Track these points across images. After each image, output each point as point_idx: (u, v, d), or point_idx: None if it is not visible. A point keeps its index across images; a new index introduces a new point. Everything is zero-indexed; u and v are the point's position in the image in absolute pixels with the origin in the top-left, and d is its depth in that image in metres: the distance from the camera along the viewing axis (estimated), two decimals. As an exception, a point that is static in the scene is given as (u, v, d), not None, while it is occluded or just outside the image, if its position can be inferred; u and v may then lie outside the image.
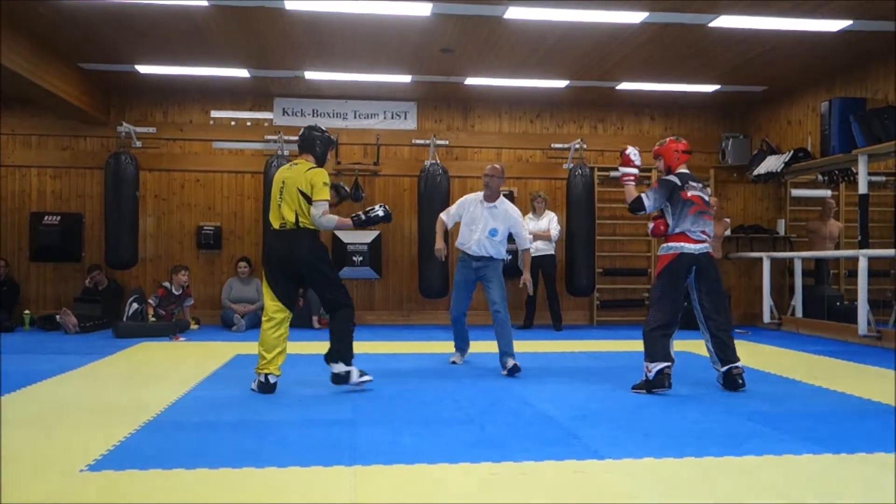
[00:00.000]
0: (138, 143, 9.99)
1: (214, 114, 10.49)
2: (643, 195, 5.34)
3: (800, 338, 8.96)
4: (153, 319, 8.87)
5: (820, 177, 10.00)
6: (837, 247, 9.91)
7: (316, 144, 5.20)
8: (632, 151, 5.52)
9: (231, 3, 6.87)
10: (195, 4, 6.86)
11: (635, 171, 5.52)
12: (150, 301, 9.03)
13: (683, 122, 11.17)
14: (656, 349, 5.10)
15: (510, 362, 6.04)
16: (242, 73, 9.34)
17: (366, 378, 5.18)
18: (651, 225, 5.46)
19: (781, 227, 10.73)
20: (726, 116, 11.17)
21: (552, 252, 9.69)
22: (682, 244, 5.22)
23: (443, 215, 6.71)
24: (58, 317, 8.92)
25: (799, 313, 9.65)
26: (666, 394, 5.08)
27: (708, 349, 5.34)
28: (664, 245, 5.32)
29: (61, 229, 9.97)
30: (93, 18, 7.35)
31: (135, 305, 8.92)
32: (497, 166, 6.56)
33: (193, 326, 9.41)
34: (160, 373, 6.00)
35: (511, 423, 4.23)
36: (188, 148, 10.44)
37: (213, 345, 7.89)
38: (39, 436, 3.84)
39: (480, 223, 6.35)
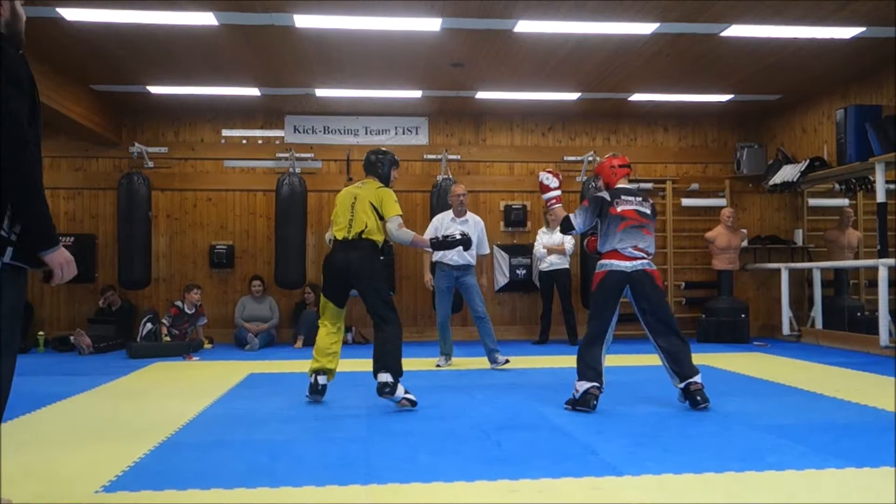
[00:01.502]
0: (150, 164, 10.08)
1: (226, 132, 10.57)
2: (571, 215, 5.29)
3: (820, 350, 8.89)
4: (167, 339, 8.92)
5: (837, 185, 9.96)
6: (857, 256, 9.85)
7: (378, 167, 5.57)
8: (543, 176, 5.51)
9: (241, 23, 6.95)
10: (205, 24, 6.93)
11: (556, 192, 5.49)
12: (164, 321, 9.09)
13: (697, 132, 11.16)
14: (584, 368, 5.03)
15: (501, 358, 7.27)
16: (253, 91, 9.42)
17: (410, 397, 5.18)
18: (585, 242, 5.53)
19: (799, 237, 10.68)
20: (741, 125, 11.15)
21: (567, 266, 9.68)
22: (611, 261, 5.08)
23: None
24: (72, 338, 8.98)
25: (819, 325, 9.58)
26: (684, 407, 5.05)
27: (663, 366, 5.16)
28: (598, 262, 5.21)
29: (75, 250, 10.02)
30: (104, 40, 7.44)
31: (149, 326, 8.98)
32: (462, 186, 7.95)
33: (207, 346, 9.45)
34: (174, 392, 6.02)
35: (527, 439, 4.22)
36: (200, 167, 10.52)
37: (227, 364, 7.91)
38: (55, 457, 3.86)
39: None
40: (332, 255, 5.40)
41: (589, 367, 5.02)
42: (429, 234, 7.42)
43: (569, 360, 7.96)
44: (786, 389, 5.95)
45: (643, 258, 5.10)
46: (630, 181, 5.51)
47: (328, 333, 5.45)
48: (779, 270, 10.11)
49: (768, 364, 7.61)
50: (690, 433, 4.32)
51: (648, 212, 5.23)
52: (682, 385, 5.03)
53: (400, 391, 5.15)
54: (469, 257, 7.41)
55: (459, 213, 7.63)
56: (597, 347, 5.07)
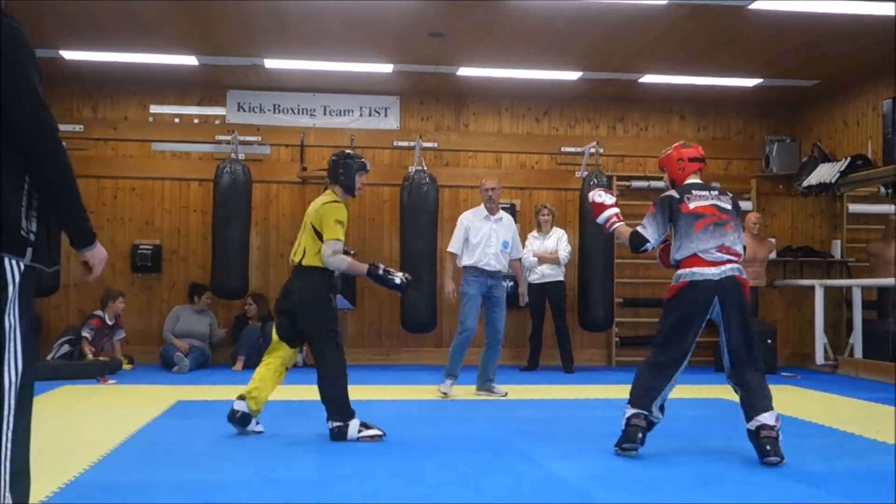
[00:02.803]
0: (63, 144, 9.98)
1: (154, 109, 10.52)
2: (639, 228, 5.12)
3: (859, 382, 8.99)
4: (90, 358, 8.85)
5: (882, 189, 10.08)
6: (904, 273, 9.97)
7: (339, 174, 5.66)
8: (594, 195, 5.39)
9: (176, -23, 6.93)
10: (133, -22, 6.91)
11: (613, 210, 5.34)
12: (85, 334, 8.99)
13: (719, 123, 11.27)
14: (638, 391, 4.91)
15: (500, 388, 7.55)
16: (189, 60, 9.38)
17: (371, 432, 5.29)
18: (658, 254, 5.31)
19: (837, 249, 10.79)
20: (770, 116, 11.27)
21: (561, 278, 9.72)
22: (694, 269, 4.83)
23: (453, 249, 7.71)
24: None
25: (858, 353, 9.68)
26: (703, 448, 5.08)
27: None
28: (674, 273, 5.00)
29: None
30: (9, -6, 7.37)
31: (66, 347, 8.88)
32: (495, 179, 7.99)
33: (126, 366, 9.37)
34: (86, 422, 5.98)
35: (512, 484, 4.22)
36: (122, 150, 10.46)
37: (151, 388, 7.87)
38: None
39: (493, 237, 7.59)
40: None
41: (644, 391, 4.88)
42: (458, 236, 7.71)
43: (563, 391, 8.03)
44: (818, 429, 6.01)
45: (731, 260, 4.86)
46: (698, 178, 5.23)
47: (264, 359, 5.62)
48: (812, 288, 10.21)
49: (798, 398, 7.69)
50: (707, 481, 4.36)
51: (729, 207, 5.03)
52: (750, 425, 4.83)
53: (353, 431, 5.26)
54: (504, 262, 7.69)
55: (492, 211, 7.76)
56: (663, 380, 4.92)
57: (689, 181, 5.13)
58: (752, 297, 9.90)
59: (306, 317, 5.42)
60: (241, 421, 5.39)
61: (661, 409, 4.96)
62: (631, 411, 4.87)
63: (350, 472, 4.44)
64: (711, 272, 4.81)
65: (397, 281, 5.67)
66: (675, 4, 7.39)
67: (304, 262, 5.42)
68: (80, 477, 4.22)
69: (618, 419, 5.02)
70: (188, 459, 4.76)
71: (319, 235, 5.38)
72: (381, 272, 5.63)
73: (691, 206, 4.96)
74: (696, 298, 4.84)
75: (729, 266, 4.85)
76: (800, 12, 7.56)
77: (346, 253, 5.50)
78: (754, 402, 4.85)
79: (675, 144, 5.30)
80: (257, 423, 5.46)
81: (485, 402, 7.22)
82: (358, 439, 5.25)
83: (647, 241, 5.05)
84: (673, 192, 5.10)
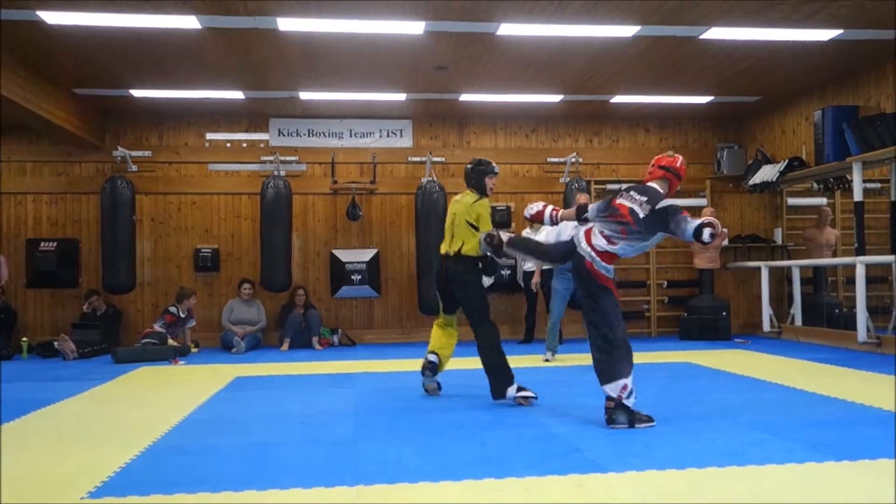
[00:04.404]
0: (134, 168, 10.02)
1: (210, 136, 10.52)
2: (589, 205, 5.11)
3: (800, 346, 8.96)
4: (173, 343, 8.92)
5: (815, 185, 10.05)
6: (835, 254, 9.94)
7: (471, 179, 5.66)
8: (526, 212, 5.42)
9: (224, 26, 6.92)
10: (188, 27, 6.90)
11: (549, 208, 5.31)
12: (158, 327, 9.02)
13: (678, 134, 11.22)
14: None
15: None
16: (237, 94, 9.39)
17: (526, 393, 5.30)
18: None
19: (778, 235, 10.77)
20: (721, 127, 11.22)
21: (550, 266, 9.69)
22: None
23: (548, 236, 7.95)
24: (56, 343, 8.90)
25: (798, 321, 9.66)
26: (670, 404, 5.07)
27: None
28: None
29: (58, 255, 9.98)
30: (86, 44, 7.39)
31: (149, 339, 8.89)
32: (585, 196, 8.38)
33: (193, 350, 9.40)
34: (160, 397, 5.99)
35: (512, 438, 4.23)
36: (184, 171, 10.47)
37: (213, 367, 7.87)
38: (41, 463, 3.83)
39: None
40: (442, 268, 5.68)
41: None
42: (550, 238, 7.77)
43: (554, 360, 8.00)
44: (767, 385, 6.00)
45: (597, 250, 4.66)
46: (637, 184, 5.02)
47: (438, 327, 5.84)
48: (759, 269, 10.19)
49: (749, 361, 7.67)
50: (674, 430, 4.35)
51: (642, 216, 4.62)
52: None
53: (511, 391, 5.31)
54: None
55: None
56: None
57: (649, 184, 4.86)
58: (708, 277, 10.03)
59: (465, 297, 5.54)
60: (431, 369, 5.70)
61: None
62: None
63: (380, 433, 4.45)
64: (582, 246, 4.69)
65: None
66: (639, 37, 7.36)
67: (464, 252, 5.49)
68: (157, 442, 4.24)
69: (596, 383, 4.94)
70: (245, 425, 4.77)
71: (475, 228, 5.44)
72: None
73: (618, 201, 4.82)
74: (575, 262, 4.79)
75: (590, 249, 4.66)
76: (743, 40, 7.51)
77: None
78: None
79: (665, 153, 4.98)
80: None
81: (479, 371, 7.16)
82: (516, 398, 5.28)
83: (587, 213, 4.98)
84: (622, 188, 5.05)
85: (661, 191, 4.75)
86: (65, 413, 5.33)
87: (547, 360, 7.90)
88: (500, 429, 4.48)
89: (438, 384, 5.81)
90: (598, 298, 4.65)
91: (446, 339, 5.77)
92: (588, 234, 4.76)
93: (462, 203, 5.59)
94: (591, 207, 5.02)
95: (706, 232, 4.35)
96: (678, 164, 4.84)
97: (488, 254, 5.50)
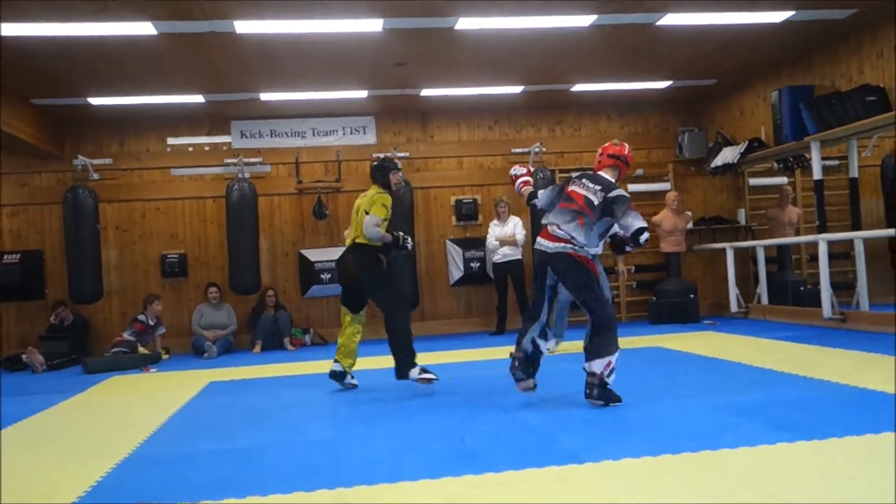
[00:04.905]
0: (95, 176, 9.87)
1: (171, 141, 10.40)
2: (539, 191, 5.33)
3: (767, 325, 9.11)
4: (144, 351, 8.83)
5: (775, 165, 10.21)
6: (797, 232, 10.10)
7: (376, 175, 6.02)
8: (513, 170, 5.72)
9: (180, 31, 6.84)
10: (144, 34, 6.80)
11: (523, 178, 5.57)
12: (128, 336, 8.93)
13: (639, 120, 11.31)
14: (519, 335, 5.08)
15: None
16: (197, 98, 9.29)
17: (428, 375, 5.61)
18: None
19: (742, 216, 10.91)
20: (681, 111, 11.32)
21: (519, 257, 9.77)
22: (539, 238, 4.94)
23: None
24: (24, 356, 8.76)
25: (765, 300, 9.82)
26: (643, 390, 5.13)
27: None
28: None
29: (21, 267, 9.80)
30: (41, 53, 7.26)
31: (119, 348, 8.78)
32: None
33: (164, 356, 9.31)
34: (134, 406, 5.94)
35: (490, 432, 4.25)
36: (147, 177, 10.34)
37: (186, 374, 7.80)
38: (17, 480, 3.78)
39: None
40: (342, 259, 6.07)
41: (520, 334, 5.06)
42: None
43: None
44: (736, 366, 6.10)
45: (569, 242, 4.79)
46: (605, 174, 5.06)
47: (343, 329, 6.01)
48: (724, 250, 10.32)
49: (718, 342, 7.78)
50: (648, 416, 4.41)
51: (596, 202, 4.80)
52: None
53: (414, 373, 5.60)
54: None
55: None
56: (529, 322, 5.04)
57: (599, 172, 5.05)
58: (675, 260, 10.15)
59: (368, 283, 5.81)
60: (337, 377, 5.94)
61: (534, 343, 5.00)
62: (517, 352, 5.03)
63: (359, 433, 4.46)
64: (547, 245, 4.87)
65: (410, 245, 6.09)
66: (597, 26, 7.40)
67: (358, 241, 5.83)
68: (133, 453, 4.20)
69: (574, 371, 5.06)
70: (221, 431, 4.75)
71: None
72: (400, 241, 5.98)
73: (570, 188, 5.00)
74: (537, 262, 4.99)
75: (562, 244, 4.80)
76: (698, 25, 7.59)
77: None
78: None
79: (611, 142, 5.20)
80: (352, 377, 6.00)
81: (460, 365, 7.21)
82: (418, 379, 5.59)
83: (536, 199, 5.26)
84: (574, 175, 5.17)
85: (612, 179, 4.98)
86: (37, 427, 5.26)
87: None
88: (477, 424, 4.50)
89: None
90: (589, 284, 4.80)
91: (345, 339, 5.95)
92: (546, 232, 4.92)
93: (366, 197, 5.94)
94: (542, 194, 5.22)
95: (645, 235, 4.74)
96: (626, 152, 5.10)
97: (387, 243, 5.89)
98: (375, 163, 6.15)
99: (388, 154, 6.20)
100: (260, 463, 3.84)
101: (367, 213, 5.79)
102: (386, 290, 5.85)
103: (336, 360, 5.97)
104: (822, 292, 8.25)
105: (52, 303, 9.74)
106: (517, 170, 5.69)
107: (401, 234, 6.06)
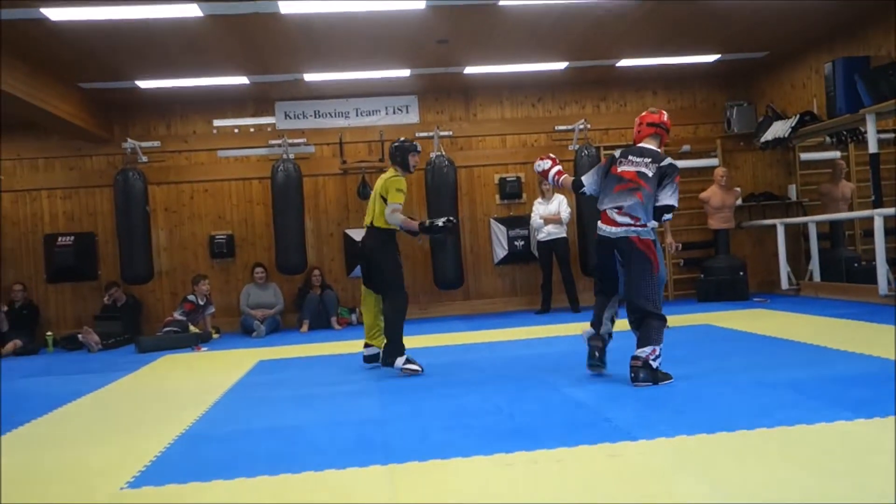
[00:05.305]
0: (144, 158, 10.03)
1: (217, 122, 10.51)
2: (582, 177, 5.16)
3: (820, 302, 8.93)
4: (194, 330, 9.00)
5: (828, 139, 9.94)
6: (851, 208, 9.85)
7: (396, 156, 5.96)
8: (536, 165, 5.51)
9: (225, 12, 6.88)
10: (189, 16, 6.86)
11: (555, 168, 5.37)
12: (179, 316, 9.08)
13: (686, 95, 11.11)
14: (593, 317, 5.15)
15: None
16: (242, 80, 9.36)
17: (413, 367, 5.63)
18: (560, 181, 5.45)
19: (793, 192, 10.67)
20: (729, 85, 11.09)
21: (564, 235, 9.69)
22: (601, 224, 4.91)
23: None
24: (80, 336, 8.98)
25: (817, 277, 9.61)
26: (693, 368, 5.07)
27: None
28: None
29: (75, 249, 10.04)
30: (89, 37, 7.37)
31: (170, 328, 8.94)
32: None
33: (215, 335, 9.46)
34: (187, 384, 6.04)
35: (540, 409, 4.24)
36: (194, 159, 10.47)
37: (236, 352, 7.92)
38: (77, 456, 3.87)
39: None
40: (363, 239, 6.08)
41: (594, 317, 5.13)
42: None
43: (572, 329, 8.00)
44: (789, 344, 5.99)
45: (631, 225, 4.77)
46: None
47: (364, 306, 6.13)
48: (774, 226, 10.12)
49: (769, 320, 7.65)
50: (700, 394, 4.35)
51: (651, 174, 4.76)
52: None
53: (399, 362, 5.62)
54: None
55: None
56: (598, 306, 5.11)
57: (641, 144, 4.99)
58: (723, 238, 9.98)
59: (377, 266, 5.79)
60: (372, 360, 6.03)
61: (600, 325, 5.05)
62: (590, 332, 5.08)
63: (406, 410, 4.48)
64: (611, 230, 4.84)
65: (440, 224, 5.83)
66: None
67: (375, 224, 5.80)
68: (188, 430, 4.28)
69: (621, 349, 5.03)
70: (273, 408, 4.80)
71: (385, 201, 5.69)
72: (427, 225, 5.88)
73: (619, 169, 4.91)
74: (600, 249, 4.96)
75: (623, 229, 4.79)
76: (749, -4, 7.42)
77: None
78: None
79: (648, 110, 5.19)
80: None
81: (509, 343, 7.21)
82: (402, 369, 5.60)
83: (583, 185, 5.14)
84: (616, 154, 5.06)
85: (657, 148, 4.94)
86: (96, 405, 5.38)
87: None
88: (525, 401, 4.49)
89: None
90: (646, 274, 4.80)
91: (372, 319, 6.07)
92: (606, 216, 4.88)
93: (382, 178, 5.86)
94: (587, 181, 5.13)
95: (669, 215, 4.88)
96: (665, 119, 5.06)
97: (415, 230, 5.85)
98: (395, 143, 6.05)
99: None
100: (312, 439, 3.88)
101: (383, 199, 5.74)
102: (390, 276, 5.77)
103: (368, 344, 6.06)
104: (878, 268, 8.05)
105: (105, 284, 9.95)
106: (541, 164, 5.47)
107: (428, 220, 6.07)
